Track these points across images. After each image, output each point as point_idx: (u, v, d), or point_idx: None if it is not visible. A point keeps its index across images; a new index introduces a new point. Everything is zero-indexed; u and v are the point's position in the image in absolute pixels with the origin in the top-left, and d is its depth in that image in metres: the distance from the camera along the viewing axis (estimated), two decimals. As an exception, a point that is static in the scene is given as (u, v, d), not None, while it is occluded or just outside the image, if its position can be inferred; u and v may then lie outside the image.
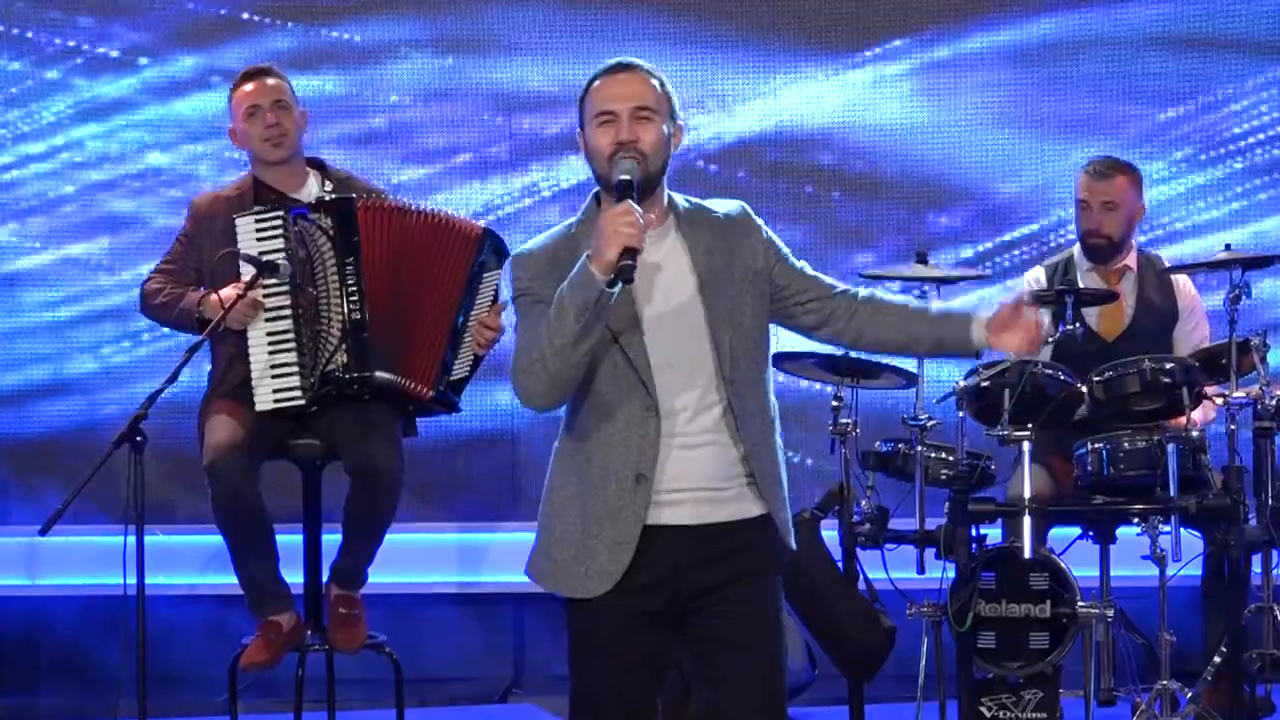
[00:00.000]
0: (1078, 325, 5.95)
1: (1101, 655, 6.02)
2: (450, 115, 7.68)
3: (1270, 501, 5.89)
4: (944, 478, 6.17)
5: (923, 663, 6.01)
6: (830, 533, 6.17)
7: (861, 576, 6.17)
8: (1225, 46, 7.67)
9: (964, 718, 5.83)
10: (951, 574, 5.89)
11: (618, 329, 3.94)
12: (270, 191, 5.93)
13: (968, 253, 7.71)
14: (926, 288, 6.27)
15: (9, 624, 7.49)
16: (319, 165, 6.10)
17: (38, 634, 7.47)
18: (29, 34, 7.58)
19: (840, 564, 6.13)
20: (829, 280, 4.17)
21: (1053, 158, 7.66)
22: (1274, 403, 5.91)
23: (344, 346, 5.74)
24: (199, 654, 7.11)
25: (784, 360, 6.15)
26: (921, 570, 6.15)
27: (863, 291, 4.19)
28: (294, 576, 5.93)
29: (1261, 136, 7.71)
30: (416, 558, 7.29)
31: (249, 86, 5.99)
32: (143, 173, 7.64)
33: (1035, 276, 6.69)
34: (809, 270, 4.17)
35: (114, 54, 7.63)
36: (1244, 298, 5.97)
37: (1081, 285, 6.40)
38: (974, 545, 5.89)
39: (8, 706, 7.34)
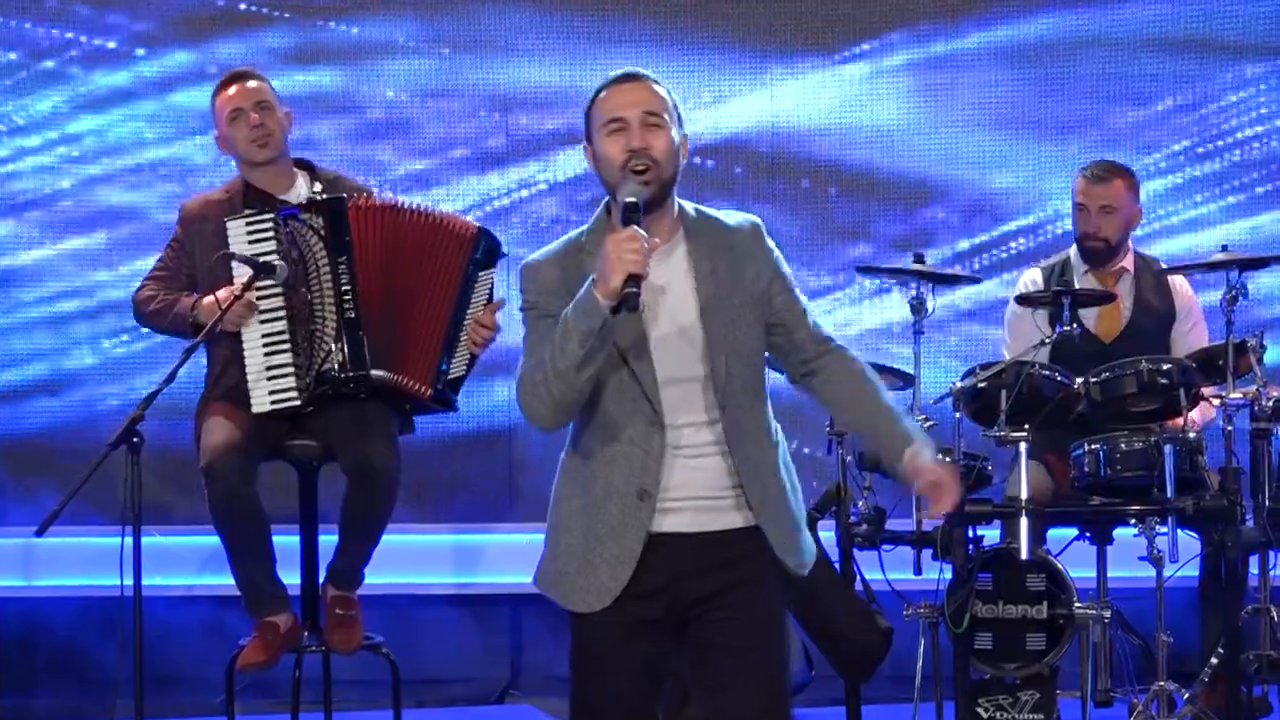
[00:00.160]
0: (1075, 326, 5.95)
1: (1098, 656, 6.01)
2: (447, 111, 7.67)
3: (1267, 502, 5.90)
4: (942, 478, 6.16)
5: (920, 664, 6.02)
6: (827, 533, 6.16)
7: (858, 577, 6.17)
8: (1221, 47, 7.67)
9: (961, 719, 5.84)
10: (948, 575, 5.90)
11: (625, 347, 3.93)
12: (258, 195, 5.91)
13: (963, 245, 7.71)
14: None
15: (6, 625, 7.48)
16: (307, 166, 6.06)
17: (35, 635, 7.47)
18: (25, 24, 7.55)
19: (837, 565, 6.12)
20: (821, 332, 4.10)
21: (1048, 155, 7.66)
22: (1270, 404, 5.90)
23: (339, 346, 5.72)
24: (196, 655, 7.09)
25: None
26: (918, 571, 6.16)
27: (835, 351, 4.10)
28: (291, 577, 5.92)
29: (1259, 129, 7.71)
30: (413, 558, 7.29)
31: (230, 90, 5.96)
32: (140, 166, 7.62)
33: (1032, 278, 6.67)
34: (809, 315, 4.09)
35: (111, 45, 7.60)
36: (1240, 299, 5.97)
37: (1078, 287, 6.40)
38: (971, 546, 5.90)
39: (5, 708, 7.33)
